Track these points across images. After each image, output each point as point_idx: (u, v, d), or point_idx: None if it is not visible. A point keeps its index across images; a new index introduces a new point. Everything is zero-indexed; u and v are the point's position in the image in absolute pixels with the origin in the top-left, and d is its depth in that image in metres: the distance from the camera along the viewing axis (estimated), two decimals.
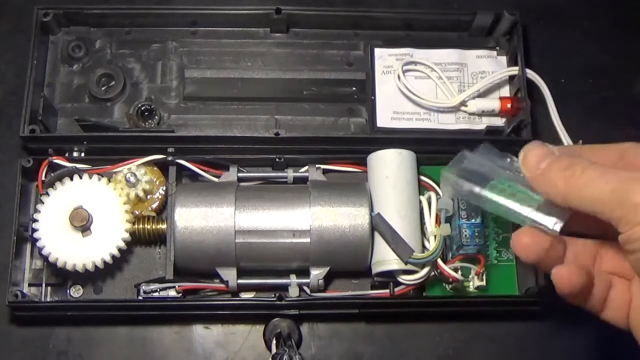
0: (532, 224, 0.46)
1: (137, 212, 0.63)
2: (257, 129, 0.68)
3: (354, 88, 0.69)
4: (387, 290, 0.61)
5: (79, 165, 0.63)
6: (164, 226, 0.63)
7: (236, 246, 0.59)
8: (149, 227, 0.63)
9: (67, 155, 0.63)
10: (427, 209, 0.61)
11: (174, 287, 0.61)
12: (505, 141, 0.66)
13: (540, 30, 0.73)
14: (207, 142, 0.64)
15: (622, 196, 0.39)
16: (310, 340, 0.64)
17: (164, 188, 0.64)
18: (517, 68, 0.67)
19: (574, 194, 0.42)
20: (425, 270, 0.60)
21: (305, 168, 0.65)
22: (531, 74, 0.68)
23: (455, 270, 0.60)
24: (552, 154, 0.45)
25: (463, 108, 0.67)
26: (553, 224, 0.45)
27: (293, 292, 0.61)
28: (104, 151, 0.63)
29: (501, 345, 0.65)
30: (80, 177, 0.62)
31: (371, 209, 0.60)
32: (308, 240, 0.60)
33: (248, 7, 0.70)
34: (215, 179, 0.64)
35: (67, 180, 0.62)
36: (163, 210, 0.65)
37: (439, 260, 0.60)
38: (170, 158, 0.63)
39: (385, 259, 0.60)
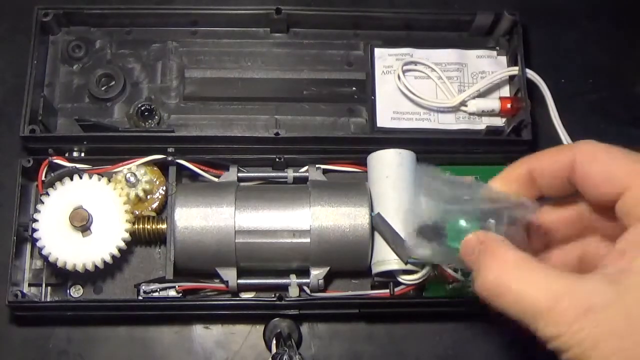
0: None
1: (137, 212, 0.63)
2: (257, 129, 0.68)
3: (354, 88, 0.69)
4: (387, 290, 0.61)
5: (79, 165, 0.63)
6: (164, 226, 0.63)
7: (236, 246, 0.59)
8: (149, 227, 0.63)
9: (67, 155, 0.63)
10: None
11: (174, 287, 0.61)
12: (505, 141, 0.66)
13: (540, 30, 0.73)
14: (207, 142, 0.64)
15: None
16: (310, 340, 0.64)
17: (164, 188, 0.64)
18: (517, 68, 0.67)
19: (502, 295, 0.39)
20: (425, 270, 0.60)
21: (305, 168, 0.65)
22: (531, 74, 0.68)
23: (455, 270, 0.60)
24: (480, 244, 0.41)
25: (463, 108, 0.67)
26: None
27: (293, 292, 0.61)
28: (104, 151, 0.63)
29: (501, 345, 0.65)
30: (80, 177, 0.62)
31: (371, 209, 0.60)
32: (308, 240, 0.60)
33: (248, 7, 0.70)
34: (215, 179, 0.64)
35: (67, 180, 0.62)
36: (163, 210, 0.65)
37: None
38: (170, 158, 0.63)
39: (385, 259, 0.59)
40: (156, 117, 0.67)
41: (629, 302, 0.33)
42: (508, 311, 0.38)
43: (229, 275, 0.61)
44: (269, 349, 0.62)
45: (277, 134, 0.64)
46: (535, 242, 0.45)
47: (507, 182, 0.44)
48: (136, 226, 0.62)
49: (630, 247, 0.35)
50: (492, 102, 0.67)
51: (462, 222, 0.44)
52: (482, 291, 0.39)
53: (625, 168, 0.37)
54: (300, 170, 0.65)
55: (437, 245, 0.46)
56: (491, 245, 0.40)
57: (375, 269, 0.60)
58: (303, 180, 0.65)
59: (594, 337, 0.34)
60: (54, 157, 0.63)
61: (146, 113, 0.67)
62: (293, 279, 0.62)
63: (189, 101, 0.69)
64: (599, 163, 0.39)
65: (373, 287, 0.63)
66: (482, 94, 0.68)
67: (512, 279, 0.38)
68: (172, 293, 0.62)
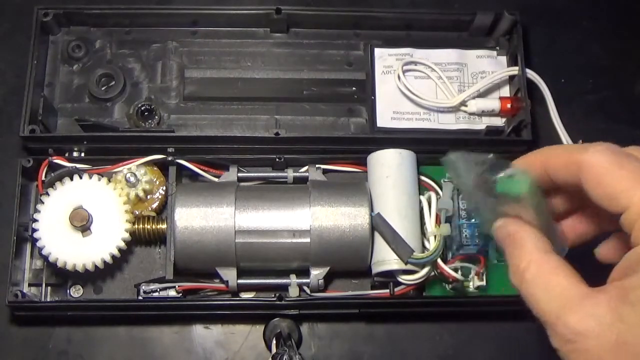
0: None
1: (137, 212, 0.63)
2: (257, 129, 0.68)
3: (354, 88, 0.69)
4: (387, 290, 0.61)
5: (79, 165, 0.63)
6: (164, 226, 0.63)
7: (236, 246, 0.59)
8: (149, 227, 0.62)
9: (67, 155, 0.63)
10: (427, 209, 0.61)
11: (174, 287, 0.61)
12: (505, 141, 0.66)
13: (540, 30, 0.73)
14: (207, 142, 0.64)
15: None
16: (310, 340, 0.64)
17: (164, 188, 0.64)
18: (517, 68, 0.67)
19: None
20: (425, 270, 0.60)
21: (305, 168, 0.65)
22: (531, 74, 0.68)
23: (455, 270, 0.60)
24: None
25: (463, 108, 0.67)
26: None
27: (293, 292, 0.61)
28: (104, 151, 0.63)
29: (501, 345, 0.65)
30: (80, 177, 0.62)
31: (371, 209, 0.60)
32: (308, 240, 0.60)
33: (248, 7, 0.70)
34: (215, 179, 0.64)
35: (67, 180, 0.62)
36: (163, 210, 0.65)
37: (439, 260, 0.60)
38: (170, 158, 0.63)
39: (385, 259, 0.59)
40: (156, 117, 0.67)
41: (619, 334, 0.35)
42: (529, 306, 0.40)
43: (229, 275, 0.61)
44: (269, 349, 0.62)
45: (277, 134, 0.64)
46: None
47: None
48: (136, 226, 0.62)
49: (630, 272, 0.36)
50: (492, 102, 0.67)
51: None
52: (510, 279, 0.41)
53: (627, 184, 0.37)
54: (300, 170, 0.65)
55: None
56: (519, 238, 0.41)
57: (375, 269, 0.60)
58: (303, 180, 0.65)
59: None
60: (54, 157, 0.62)
61: (146, 113, 0.67)
62: (293, 279, 0.62)
63: (189, 101, 0.69)
64: (602, 186, 0.38)
65: (373, 287, 0.63)
66: (482, 94, 0.68)
67: (531, 280, 0.40)
68: (172, 293, 0.62)
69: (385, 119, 0.67)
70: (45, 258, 0.60)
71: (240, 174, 0.65)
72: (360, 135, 0.68)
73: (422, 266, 0.60)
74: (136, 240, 0.63)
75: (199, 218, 0.59)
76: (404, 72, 0.67)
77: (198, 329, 0.64)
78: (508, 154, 0.65)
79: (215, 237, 0.59)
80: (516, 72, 0.67)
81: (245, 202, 0.60)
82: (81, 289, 0.64)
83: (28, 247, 0.63)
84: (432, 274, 0.60)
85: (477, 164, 0.44)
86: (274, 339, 0.61)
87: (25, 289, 0.62)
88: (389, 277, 0.61)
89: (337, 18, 0.70)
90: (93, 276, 0.63)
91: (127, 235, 0.61)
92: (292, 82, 0.69)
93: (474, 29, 0.70)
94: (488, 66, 0.69)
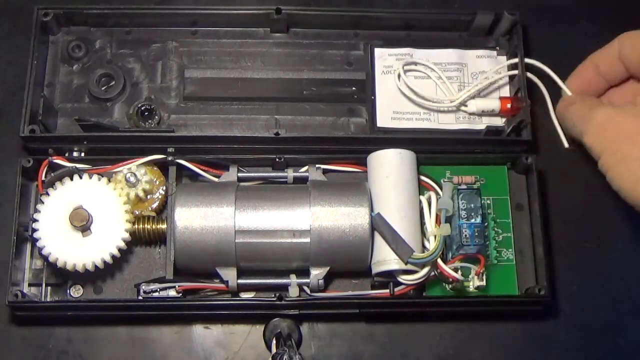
0: None
1: (137, 212, 0.63)
2: (257, 129, 0.68)
3: (354, 88, 0.69)
4: (387, 290, 0.61)
5: (79, 165, 0.63)
6: (164, 226, 0.63)
7: (236, 246, 0.59)
8: (149, 227, 0.63)
9: (67, 155, 0.63)
10: (427, 209, 0.61)
11: (174, 287, 0.61)
12: (505, 141, 0.66)
13: (540, 30, 0.73)
14: (207, 142, 0.64)
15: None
16: (310, 340, 0.64)
17: (164, 188, 0.64)
18: (517, 65, 0.66)
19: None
20: (425, 270, 0.60)
21: (305, 168, 0.65)
22: (531, 74, 0.68)
23: (455, 270, 0.60)
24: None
25: (463, 108, 0.67)
26: None
27: (293, 292, 0.61)
28: (104, 151, 0.63)
29: (501, 345, 0.65)
30: (80, 177, 0.62)
31: (371, 209, 0.60)
32: (308, 240, 0.60)
33: (248, 7, 0.70)
34: (215, 179, 0.64)
35: (67, 180, 0.62)
36: (163, 210, 0.65)
37: (439, 260, 0.60)
38: (170, 158, 0.63)
39: (385, 259, 0.60)
40: (156, 117, 0.67)
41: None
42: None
43: (229, 275, 0.61)
44: (269, 349, 0.62)
45: (277, 134, 0.64)
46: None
47: (579, 77, 0.66)
48: (136, 226, 0.62)
49: None
50: (492, 102, 0.67)
51: None
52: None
53: None
54: (300, 170, 0.65)
55: None
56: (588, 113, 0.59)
57: (375, 269, 0.60)
58: (303, 180, 0.65)
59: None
60: (54, 157, 0.63)
61: (146, 113, 0.67)
62: (293, 279, 0.62)
63: (189, 101, 0.69)
64: (632, 47, 0.61)
65: (373, 287, 0.63)
66: (482, 94, 0.68)
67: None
68: (172, 293, 0.62)
69: (385, 119, 0.67)
70: (45, 258, 0.60)
71: (240, 174, 0.65)
72: (360, 135, 0.68)
73: (422, 266, 0.60)
74: (136, 240, 0.63)
75: (199, 218, 0.60)
76: (404, 72, 0.67)
77: (198, 329, 0.64)
78: (508, 154, 0.65)
79: (215, 237, 0.59)
80: (516, 72, 0.67)
81: (245, 202, 0.60)
82: (81, 289, 0.64)
83: (28, 247, 0.63)
84: (432, 274, 0.60)
85: None
86: (274, 339, 0.61)
87: (25, 289, 0.62)
88: (389, 277, 0.61)
89: (337, 18, 0.70)
90: (93, 276, 0.63)
91: (127, 235, 0.61)
92: (292, 82, 0.69)
93: (474, 29, 0.70)
94: (488, 66, 0.69)
